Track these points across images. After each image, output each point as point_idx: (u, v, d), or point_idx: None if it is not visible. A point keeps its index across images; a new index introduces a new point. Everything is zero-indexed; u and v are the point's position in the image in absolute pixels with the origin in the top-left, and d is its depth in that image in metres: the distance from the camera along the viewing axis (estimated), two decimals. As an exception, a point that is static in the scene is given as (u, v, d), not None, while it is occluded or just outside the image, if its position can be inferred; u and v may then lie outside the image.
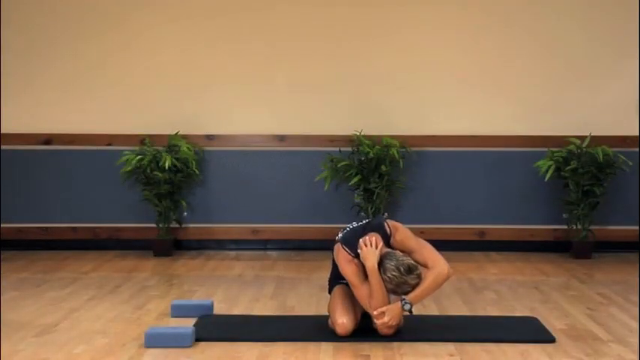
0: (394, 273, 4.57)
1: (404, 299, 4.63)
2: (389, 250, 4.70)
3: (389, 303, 4.66)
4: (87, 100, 7.75)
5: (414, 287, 4.62)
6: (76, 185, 7.73)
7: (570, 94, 7.72)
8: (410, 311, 4.65)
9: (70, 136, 7.73)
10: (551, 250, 7.67)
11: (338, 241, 4.80)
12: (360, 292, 4.68)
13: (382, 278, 4.61)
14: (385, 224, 4.78)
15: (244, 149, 7.76)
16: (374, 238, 4.67)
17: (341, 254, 4.74)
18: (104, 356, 4.43)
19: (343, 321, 4.71)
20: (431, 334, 4.80)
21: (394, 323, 4.66)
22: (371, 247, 4.63)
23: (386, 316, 4.64)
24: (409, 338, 4.72)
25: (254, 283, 6.40)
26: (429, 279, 4.66)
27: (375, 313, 4.65)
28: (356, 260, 4.70)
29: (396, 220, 4.90)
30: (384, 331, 4.68)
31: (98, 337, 4.79)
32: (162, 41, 7.74)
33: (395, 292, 4.66)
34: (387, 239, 4.74)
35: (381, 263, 4.62)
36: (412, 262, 4.65)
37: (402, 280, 4.59)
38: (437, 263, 4.71)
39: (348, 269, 4.70)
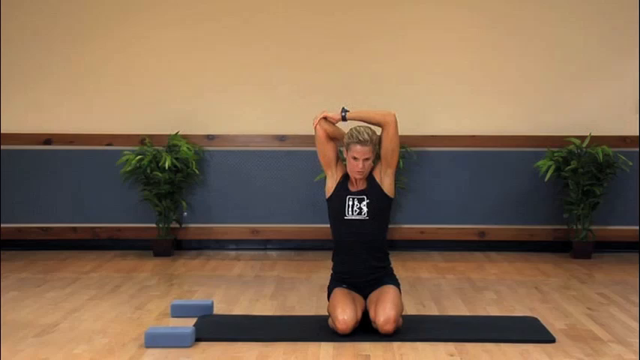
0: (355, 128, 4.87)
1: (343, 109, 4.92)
2: None
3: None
4: (87, 100, 7.76)
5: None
6: (76, 185, 7.74)
7: (570, 94, 7.72)
8: (344, 116, 4.90)
9: (70, 136, 7.73)
10: (551, 250, 7.68)
11: None
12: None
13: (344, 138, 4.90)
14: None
15: (244, 149, 7.76)
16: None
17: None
18: (104, 356, 4.44)
19: (344, 317, 4.72)
20: (431, 334, 4.80)
21: (322, 116, 4.92)
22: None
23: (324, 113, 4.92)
24: (409, 338, 4.72)
25: (254, 283, 6.40)
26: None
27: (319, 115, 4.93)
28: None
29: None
30: (316, 121, 4.92)
31: (98, 337, 4.79)
32: (162, 42, 7.75)
33: (347, 146, 4.86)
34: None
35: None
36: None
37: (357, 130, 4.86)
38: None
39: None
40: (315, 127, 4.93)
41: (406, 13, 7.73)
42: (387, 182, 4.93)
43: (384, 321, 4.71)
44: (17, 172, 7.71)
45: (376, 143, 4.86)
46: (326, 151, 4.95)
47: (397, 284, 4.96)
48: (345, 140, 4.87)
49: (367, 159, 4.83)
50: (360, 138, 4.80)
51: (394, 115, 4.92)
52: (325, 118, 4.93)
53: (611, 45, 7.68)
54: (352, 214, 4.89)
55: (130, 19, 7.76)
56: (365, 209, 4.88)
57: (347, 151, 4.86)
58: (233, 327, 5.01)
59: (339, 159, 4.99)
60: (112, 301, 5.72)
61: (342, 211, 4.90)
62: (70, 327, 5.00)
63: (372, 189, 4.91)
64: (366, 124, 4.92)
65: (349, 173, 4.91)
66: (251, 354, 4.47)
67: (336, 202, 4.94)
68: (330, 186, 4.97)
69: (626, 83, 7.67)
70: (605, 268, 7.01)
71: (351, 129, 4.87)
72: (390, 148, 4.89)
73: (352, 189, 4.93)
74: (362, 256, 4.90)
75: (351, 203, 4.90)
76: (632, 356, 4.45)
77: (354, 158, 4.82)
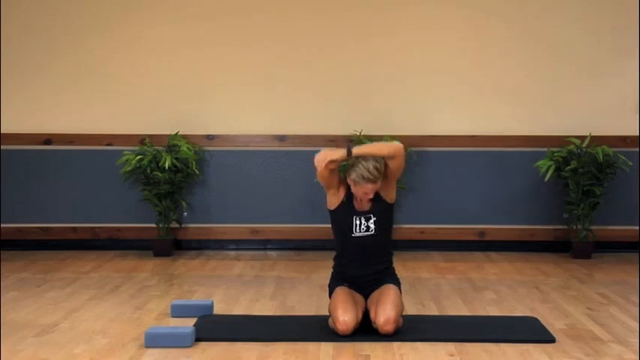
0: (362, 162, 4.71)
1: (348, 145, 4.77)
2: None
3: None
4: (87, 100, 7.76)
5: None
6: (76, 185, 7.74)
7: (570, 94, 7.72)
8: (349, 152, 4.69)
9: (70, 136, 7.73)
10: (551, 250, 7.68)
11: None
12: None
13: (349, 171, 4.75)
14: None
15: (244, 149, 7.76)
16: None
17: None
18: (104, 356, 4.44)
19: (345, 319, 4.72)
20: (431, 334, 4.80)
21: (328, 160, 4.70)
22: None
23: (325, 150, 4.75)
24: (409, 338, 4.72)
25: (254, 283, 6.40)
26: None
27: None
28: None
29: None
30: (317, 160, 4.72)
31: (98, 337, 4.79)
32: (162, 41, 7.75)
33: (356, 182, 4.74)
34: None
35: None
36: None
37: (365, 165, 4.71)
38: None
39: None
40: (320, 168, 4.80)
41: (406, 13, 7.73)
42: (390, 193, 4.89)
43: (384, 322, 4.70)
44: (17, 172, 7.71)
45: (383, 171, 4.79)
46: (330, 181, 4.86)
47: (398, 283, 4.95)
48: (353, 177, 4.74)
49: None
50: (371, 178, 4.71)
51: (402, 149, 4.77)
52: (331, 161, 4.77)
53: (611, 45, 7.68)
54: (360, 231, 4.87)
55: (130, 19, 7.76)
56: (372, 226, 4.85)
57: (355, 185, 4.77)
58: (233, 327, 5.01)
59: (341, 178, 4.93)
60: (112, 301, 5.72)
61: (349, 229, 4.87)
62: (70, 327, 5.00)
63: (378, 206, 4.87)
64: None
65: (357, 196, 4.84)
66: (251, 354, 4.47)
67: (342, 220, 4.89)
68: (334, 202, 4.91)
69: (626, 83, 7.68)
70: (605, 268, 7.00)
71: (358, 165, 4.71)
72: (396, 172, 4.84)
73: (358, 207, 4.88)
74: (367, 264, 4.90)
75: (358, 222, 4.86)
76: (632, 356, 4.45)
77: (365, 193, 4.78)
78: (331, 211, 4.94)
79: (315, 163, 4.76)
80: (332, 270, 5.05)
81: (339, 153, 4.73)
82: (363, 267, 4.90)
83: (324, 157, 4.73)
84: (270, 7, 7.74)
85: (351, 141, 4.77)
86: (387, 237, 4.97)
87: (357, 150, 4.73)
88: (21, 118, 7.73)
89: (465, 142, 7.70)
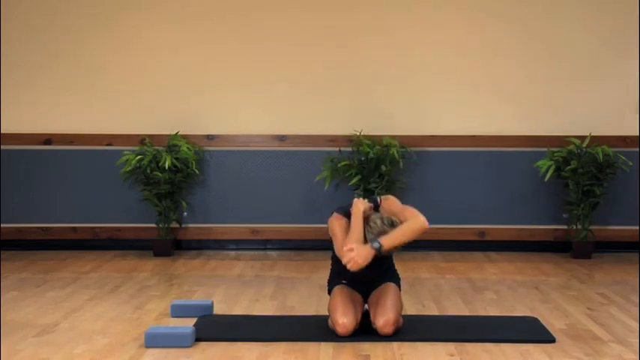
0: (377, 222, 4.68)
1: (375, 239, 4.64)
2: (376, 212, 4.84)
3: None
4: (87, 100, 7.76)
5: None
6: (76, 185, 7.74)
7: (570, 94, 7.72)
8: (379, 250, 4.62)
9: (70, 136, 7.73)
10: (551, 250, 7.68)
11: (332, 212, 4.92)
12: (340, 241, 4.73)
13: (365, 227, 4.69)
14: (377, 197, 4.95)
15: (244, 149, 7.76)
16: (365, 200, 4.84)
17: (333, 217, 4.86)
18: (104, 356, 4.43)
19: (344, 321, 4.71)
20: (431, 334, 4.80)
21: (360, 261, 4.62)
22: (363, 200, 4.79)
23: (354, 251, 4.62)
24: (409, 338, 4.72)
25: (254, 283, 6.40)
26: (403, 225, 4.71)
27: (345, 248, 4.65)
28: (345, 219, 4.79)
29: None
30: (351, 266, 4.62)
31: (98, 337, 4.79)
32: (162, 41, 7.75)
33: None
34: (375, 205, 4.88)
35: (367, 218, 4.73)
36: (395, 219, 4.74)
37: (383, 229, 4.65)
38: (415, 215, 4.78)
39: (337, 224, 4.80)
40: (357, 203, 4.75)
41: (407, 13, 7.72)
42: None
43: (383, 323, 4.70)
44: (17, 172, 7.70)
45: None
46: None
47: (397, 281, 4.95)
48: (369, 236, 4.68)
49: None
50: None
51: (426, 228, 4.81)
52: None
53: (611, 45, 7.68)
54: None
55: (129, 18, 7.76)
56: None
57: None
58: (233, 327, 5.01)
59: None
60: (112, 301, 5.72)
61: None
62: (70, 327, 5.00)
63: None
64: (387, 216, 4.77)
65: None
66: (251, 354, 4.47)
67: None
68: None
69: (626, 83, 7.67)
70: (605, 268, 7.00)
71: (381, 222, 4.68)
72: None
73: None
74: (368, 271, 4.84)
75: None
76: (632, 356, 4.45)
77: None
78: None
79: (339, 254, 4.71)
80: (330, 267, 5.04)
81: (366, 250, 4.63)
82: (364, 273, 4.86)
83: (355, 257, 4.63)
84: (270, 7, 7.74)
85: (377, 241, 4.66)
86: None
87: (389, 244, 4.65)
88: (21, 118, 7.73)
89: (465, 142, 7.70)
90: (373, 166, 7.39)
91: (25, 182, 7.72)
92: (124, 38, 7.76)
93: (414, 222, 4.73)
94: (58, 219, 7.75)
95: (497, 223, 7.74)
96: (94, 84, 7.75)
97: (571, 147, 7.43)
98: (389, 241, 4.64)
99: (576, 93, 7.72)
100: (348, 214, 4.80)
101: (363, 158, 7.44)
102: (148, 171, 7.38)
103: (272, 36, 7.73)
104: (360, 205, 4.76)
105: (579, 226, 7.46)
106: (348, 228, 4.77)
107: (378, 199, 4.89)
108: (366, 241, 4.68)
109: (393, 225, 4.69)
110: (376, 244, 4.62)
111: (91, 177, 7.73)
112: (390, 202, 4.89)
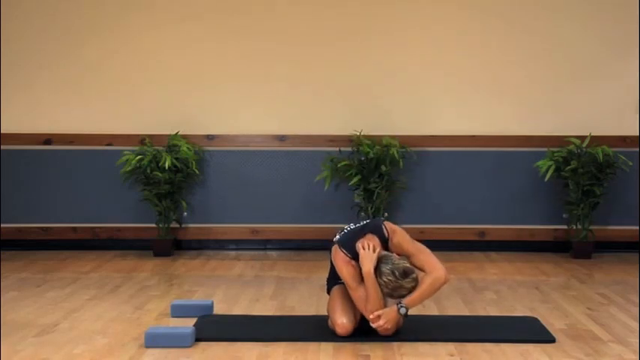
0: (390, 277, 4.57)
1: (400, 303, 4.63)
2: (386, 252, 4.69)
3: (385, 306, 4.65)
4: (87, 100, 7.76)
5: (410, 291, 4.61)
6: (76, 185, 7.73)
7: (570, 94, 7.72)
8: (405, 315, 4.65)
9: (70, 136, 7.73)
10: (551, 250, 7.67)
11: (335, 243, 4.79)
12: (357, 294, 4.67)
13: (378, 282, 4.60)
14: (383, 227, 4.78)
15: (244, 149, 7.76)
16: (371, 243, 4.67)
17: (338, 256, 4.73)
18: (104, 356, 4.43)
19: (343, 321, 4.71)
20: (431, 334, 4.80)
21: (389, 327, 4.65)
22: (368, 251, 4.63)
23: (382, 319, 4.63)
24: (409, 338, 4.72)
25: (254, 283, 6.40)
26: (425, 283, 4.65)
27: (371, 316, 4.64)
28: (353, 262, 4.69)
29: (397, 221, 4.92)
30: (382, 332, 4.68)
31: (98, 337, 4.79)
32: (162, 41, 7.75)
33: (391, 296, 4.65)
34: (384, 242, 4.74)
35: (377, 267, 4.61)
36: (408, 265, 4.63)
37: (398, 284, 4.58)
38: (434, 268, 4.70)
39: (345, 271, 4.70)
40: (364, 261, 4.62)
41: (407, 13, 7.72)
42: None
43: (383, 323, 4.70)
44: (17, 172, 7.70)
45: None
46: None
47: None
48: (384, 290, 4.62)
49: None
50: (397, 295, 4.65)
51: (446, 281, 4.74)
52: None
53: (611, 45, 7.68)
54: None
55: (129, 18, 7.76)
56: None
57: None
58: (233, 327, 5.01)
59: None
60: (111, 301, 5.72)
61: None
62: (69, 327, 5.00)
63: None
64: (410, 266, 4.67)
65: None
66: (251, 354, 4.47)
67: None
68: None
69: (626, 83, 7.67)
70: (605, 268, 7.00)
71: (395, 277, 4.56)
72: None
73: None
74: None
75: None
76: (632, 356, 4.45)
77: None
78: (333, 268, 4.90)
79: (359, 307, 4.67)
80: (329, 267, 5.03)
81: (393, 315, 4.62)
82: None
83: (385, 325, 4.62)
84: (270, 7, 7.74)
85: (400, 303, 4.65)
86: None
87: (413, 305, 4.65)
88: (21, 118, 7.73)
89: (465, 142, 7.70)
90: (373, 166, 7.39)
91: (25, 182, 7.72)
92: (124, 38, 7.76)
93: (436, 280, 4.66)
94: (58, 219, 7.75)
95: (497, 223, 7.74)
96: (94, 84, 7.75)
97: (571, 147, 7.43)
98: (413, 303, 4.64)
99: (576, 93, 7.72)
100: (352, 251, 4.69)
101: (363, 158, 7.44)
102: (148, 171, 7.38)
103: (272, 36, 7.73)
104: (368, 264, 4.58)
105: (579, 226, 7.46)
106: (356, 273, 4.66)
107: (385, 232, 4.75)
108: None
109: (406, 275, 4.56)
110: (403, 310, 4.62)
111: (91, 177, 7.72)
112: (400, 239, 4.77)
